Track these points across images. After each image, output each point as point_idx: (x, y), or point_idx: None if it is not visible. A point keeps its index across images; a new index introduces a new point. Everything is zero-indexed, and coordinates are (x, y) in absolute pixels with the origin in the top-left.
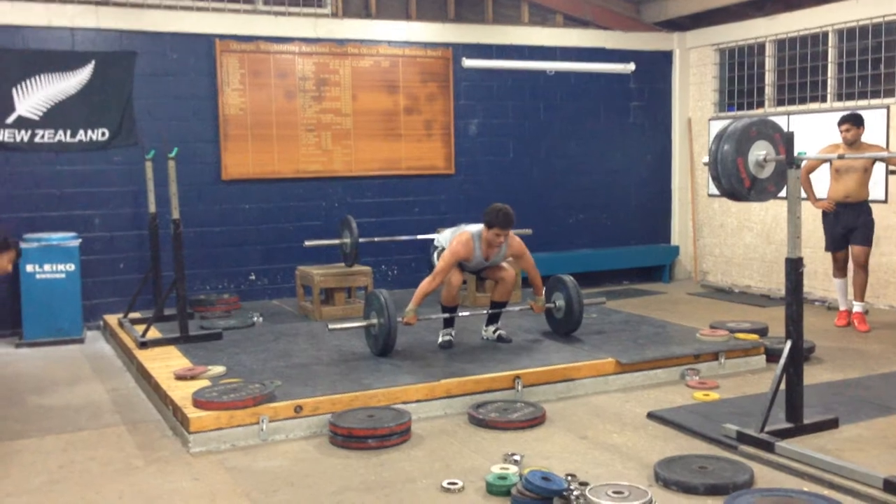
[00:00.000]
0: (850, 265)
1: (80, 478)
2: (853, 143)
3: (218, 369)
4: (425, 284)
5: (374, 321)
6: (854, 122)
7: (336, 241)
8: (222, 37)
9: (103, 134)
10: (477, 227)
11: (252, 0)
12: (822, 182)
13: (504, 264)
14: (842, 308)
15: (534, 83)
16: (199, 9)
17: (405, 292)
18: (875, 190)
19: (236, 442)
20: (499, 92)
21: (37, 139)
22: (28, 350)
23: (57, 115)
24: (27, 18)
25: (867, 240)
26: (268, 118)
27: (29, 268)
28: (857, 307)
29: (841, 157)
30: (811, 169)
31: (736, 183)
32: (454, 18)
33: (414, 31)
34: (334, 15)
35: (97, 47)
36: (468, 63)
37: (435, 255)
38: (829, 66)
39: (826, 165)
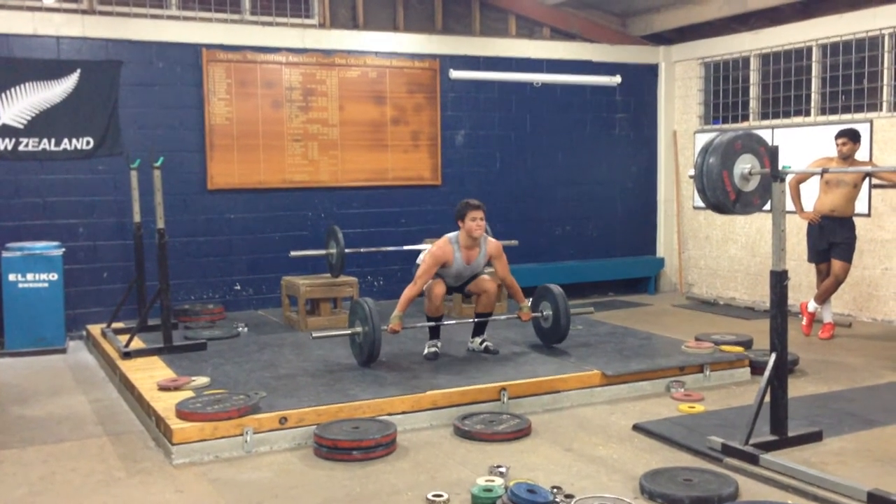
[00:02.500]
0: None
1: (61, 489)
2: (847, 158)
3: (202, 380)
4: (408, 291)
5: (359, 329)
6: (851, 137)
7: (322, 252)
8: (209, 46)
9: (88, 143)
10: (455, 233)
11: (239, 10)
12: (811, 193)
13: (485, 276)
14: (826, 320)
15: (520, 95)
16: (186, 18)
17: (391, 303)
18: (859, 204)
19: (220, 453)
20: (486, 103)
21: (21, 148)
22: (10, 360)
23: (41, 123)
24: (13, 26)
25: (848, 256)
26: (254, 128)
27: (11, 277)
28: (812, 307)
29: (825, 170)
30: (802, 180)
31: (721, 196)
32: (441, 30)
33: (401, 42)
34: (322, 25)
35: (83, 56)
36: (455, 74)
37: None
38: (814, 80)
39: (817, 177)
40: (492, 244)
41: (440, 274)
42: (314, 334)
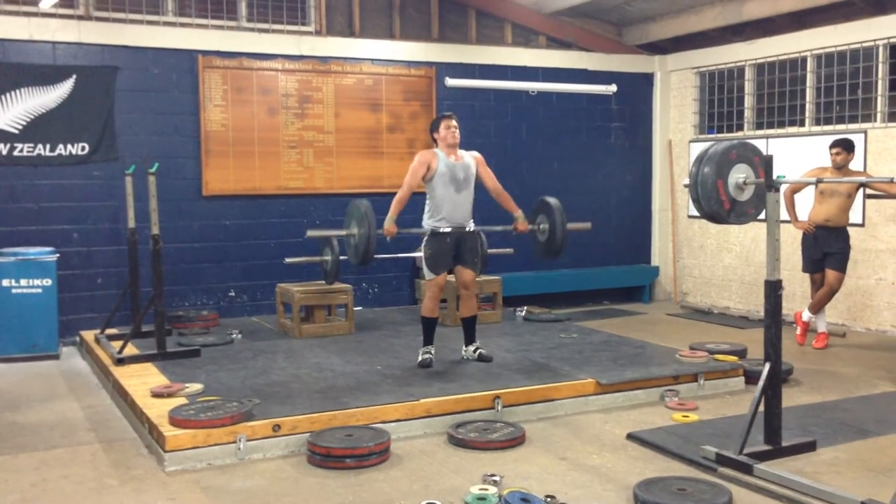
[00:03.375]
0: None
1: (52, 496)
2: (841, 168)
3: (195, 387)
4: (398, 195)
5: (355, 231)
6: (845, 146)
7: (317, 259)
8: (205, 52)
9: (83, 148)
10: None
11: (236, 16)
12: (806, 203)
13: (468, 269)
14: (820, 330)
15: (516, 103)
16: (183, 24)
17: (386, 310)
18: (853, 214)
19: (213, 461)
20: (481, 111)
21: (15, 153)
22: (2, 366)
23: (37, 128)
24: (8, 32)
25: (842, 266)
26: (250, 134)
27: (5, 282)
28: (806, 316)
29: (820, 180)
30: (796, 189)
31: (716, 205)
32: (438, 38)
33: (397, 49)
34: (318, 32)
35: (79, 61)
36: (451, 82)
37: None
38: (808, 90)
39: (812, 187)
40: (474, 153)
41: (439, 187)
42: (309, 233)
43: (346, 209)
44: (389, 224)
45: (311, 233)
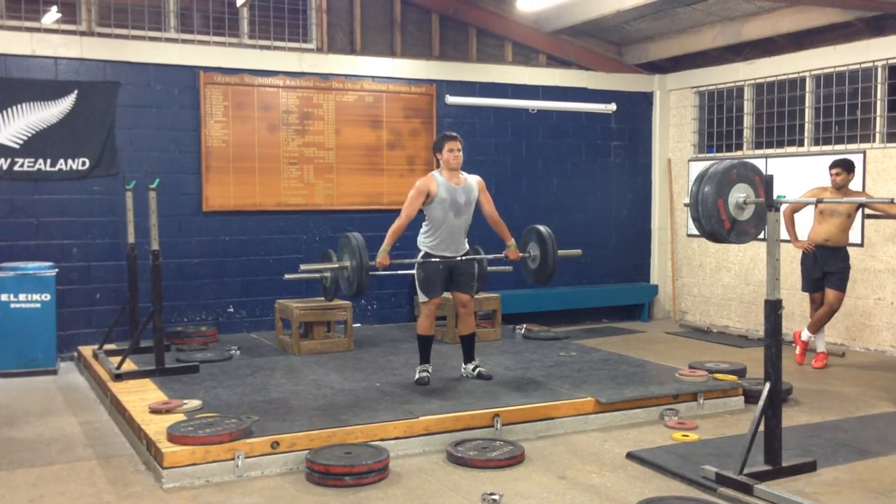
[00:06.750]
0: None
1: None
2: (841, 188)
3: (194, 403)
4: (394, 225)
5: (347, 264)
6: (845, 167)
7: (316, 276)
8: (207, 69)
9: (84, 163)
10: (437, 170)
11: (237, 33)
12: (806, 222)
13: (465, 293)
14: (819, 350)
15: (516, 121)
16: (184, 41)
17: (385, 327)
18: (852, 234)
19: (211, 478)
20: (482, 129)
21: (16, 167)
22: (0, 381)
23: (37, 143)
24: (10, 47)
25: (842, 285)
26: (250, 151)
27: (3, 297)
28: (805, 336)
29: (820, 200)
30: (796, 209)
31: (716, 224)
32: (438, 56)
33: (398, 67)
34: (319, 50)
35: (80, 77)
36: (451, 100)
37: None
38: (807, 110)
39: (812, 207)
40: (476, 178)
41: (438, 212)
42: (302, 267)
43: (340, 241)
44: (382, 256)
45: (303, 267)
